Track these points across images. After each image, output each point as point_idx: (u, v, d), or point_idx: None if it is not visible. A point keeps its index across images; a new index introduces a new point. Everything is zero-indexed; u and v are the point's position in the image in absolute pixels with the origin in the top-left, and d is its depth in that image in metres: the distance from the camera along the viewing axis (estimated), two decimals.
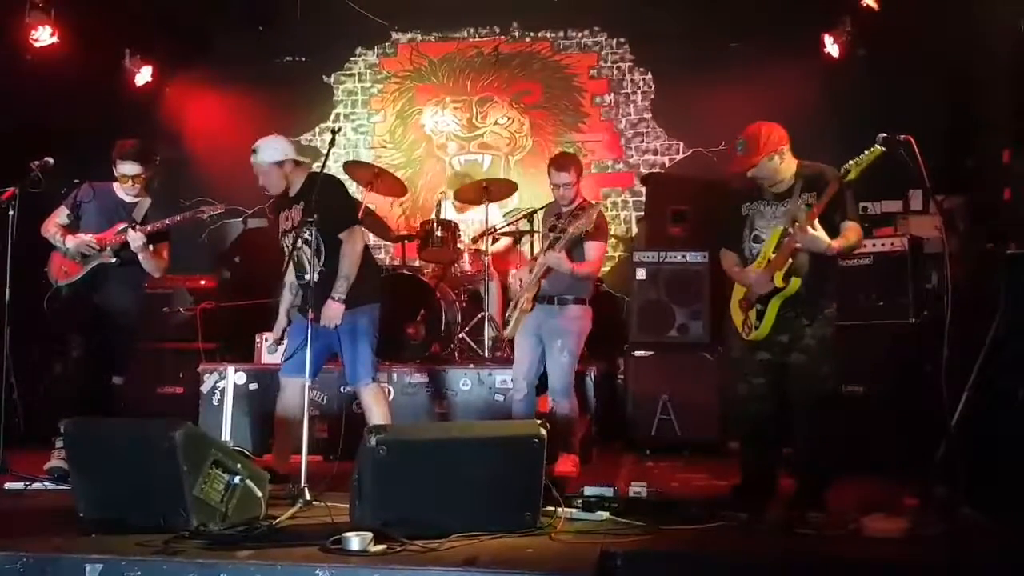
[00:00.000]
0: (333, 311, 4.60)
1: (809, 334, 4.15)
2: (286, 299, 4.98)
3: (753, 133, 4.20)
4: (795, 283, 4.06)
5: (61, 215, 5.26)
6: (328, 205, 4.61)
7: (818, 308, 4.17)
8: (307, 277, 4.65)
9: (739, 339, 4.35)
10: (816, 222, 4.00)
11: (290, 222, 4.78)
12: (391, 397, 5.96)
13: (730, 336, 4.51)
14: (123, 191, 5.28)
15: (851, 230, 4.11)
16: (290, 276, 4.92)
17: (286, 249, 4.79)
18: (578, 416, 5.16)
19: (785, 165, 4.22)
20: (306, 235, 4.64)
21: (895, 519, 3.73)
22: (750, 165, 4.19)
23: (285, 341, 4.95)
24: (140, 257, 5.12)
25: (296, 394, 4.71)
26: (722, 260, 4.51)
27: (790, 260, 4.07)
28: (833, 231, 4.07)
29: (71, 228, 5.22)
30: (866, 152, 3.92)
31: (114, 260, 5.11)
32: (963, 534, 3.73)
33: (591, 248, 5.20)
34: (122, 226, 5.13)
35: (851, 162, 3.95)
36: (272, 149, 4.77)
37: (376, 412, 4.75)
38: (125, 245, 5.12)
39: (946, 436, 4.17)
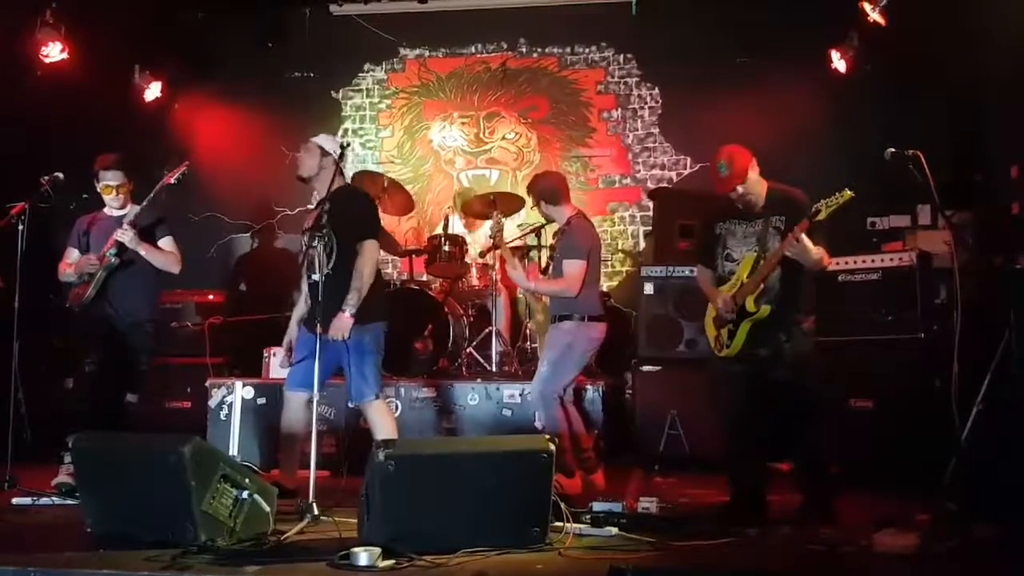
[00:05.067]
0: (343, 323, 4.59)
1: (787, 350, 4.28)
2: (299, 309, 4.97)
3: (730, 153, 4.32)
4: (764, 310, 4.23)
5: (71, 256, 5.29)
6: (350, 214, 4.68)
7: (794, 323, 4.30)
8: (314, 277, 4.64)
9: (713, 354, 4.53)
10: (804, 235, 4.07)
11: (311, 221, 4.79)
12: (398, 412, 5.96)
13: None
14: (110, 207, 5.30)
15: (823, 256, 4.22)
16: (304, 282, 4.91)
17: (304, 248, 4.79)
18: (561, 430, 5.02)
19: (759, 179, 4.36)
20: (323, 236, 4.65)
21: (906, 535, 3.70)
22: (741, 179, 4.28)
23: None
24: (144, 255, 5.12)
25: (299, 408, 4.71)
26: (698, 276, 4.70)
27: (761, 286, 4.23)
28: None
29: None
30: (837, 195, 4.00)
31: (114, 260, 5.10)
32: (974, 549, 3.71)
33: (564, 265, 5.16)
34: (116, 232, 5.14)
35: (822, 202, 4.03)
36: (328, 139, 4.91)
37: (382, 428, 4.73)
38: (123, 246, 5.13)
39: (957, 451, 4.16)
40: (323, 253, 4.64)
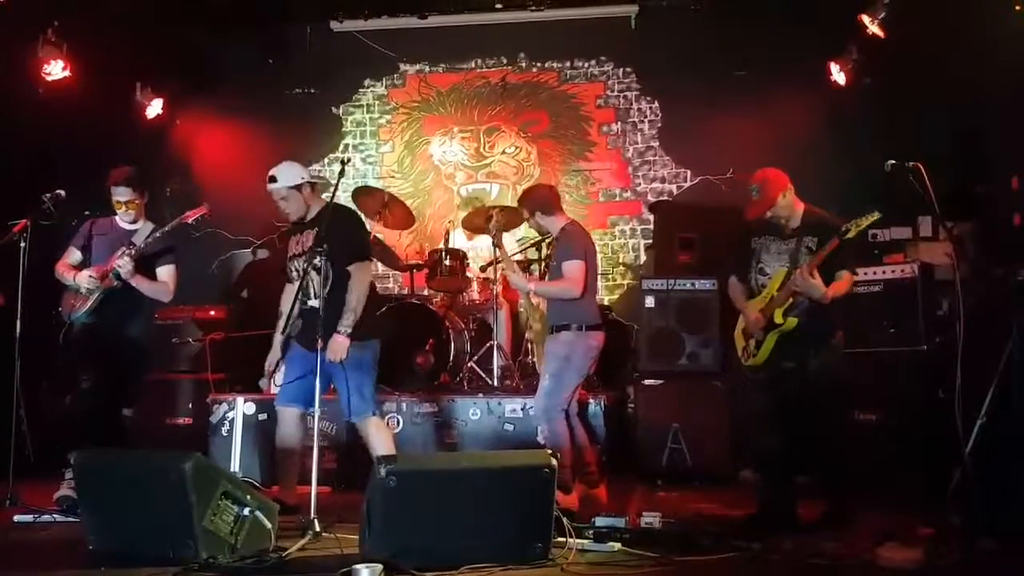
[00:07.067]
0: (339, 345, 4.57)
1: (813, 365, 4.39)
2: (280, 328, 4.92)
3: (763, 177, 4.52)
4: (791, 322, 4.36)
5: (72, 256, 5.28)
6: (341, 235, 4.66)
7: (822, 339, 4.42)
8: (310, 303, 4.64)
9: (741, 364, 4.67)
10: (816, 270, 4.27)
11: (301, 247, 4.79)
12: (400, 427, 5.94)
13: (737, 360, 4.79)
14: (122, 220, 5.30)
15: (845, 279, 4.37)
16: (285, 305, 4.89)
17: (292, 273, 4.80)
18: (564, 445, 5.00)
19: (793, 203, 4.52)
20: (316, 262, 4.65)
21: (910, 549, 3.69)
22: (770, 205, 4.48)
23: (279, 372, 4.94)
24: (134, 284, 5.10)
25: (292, 423, 4.69)
26: (730, 289, 4.80)
27: (790, 299, 4.36)
28: (829, 277, 4.33)
29: (83, 266, 5.23)
30: (866, 216, 4.19)
31: (116, 284, 5.10)
32: (979, 563, 3.69)
33: (564, 267, 5.15)
34: (120, 250, 5.13)
35: (852, 223, 4.20)
36: (289, 173, 4.79)
37: (380, 444, 4.71)
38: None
39: (961, 464, 4.14)
40: (319, 280, 4.64)
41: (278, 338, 4.94)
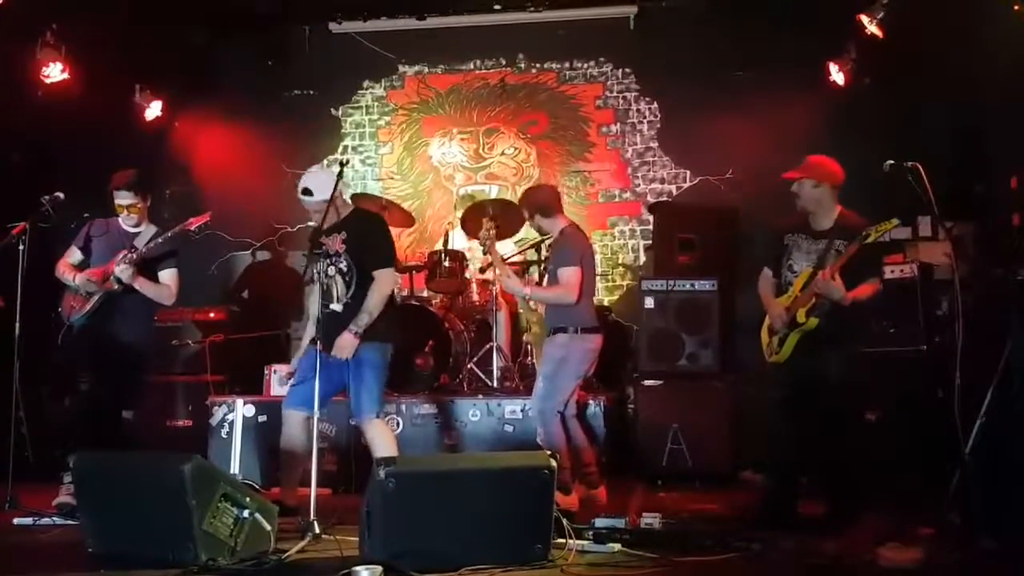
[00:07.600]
0: (347, 342, 4.57)
1: (833, 366, 4.43)
2: (310, 331, 4.86)
3: (816, 161, 4.63)
4: (812, 322, 4.41)
5: (73, 255, 5.27)
6: (370, 241, 4.68)
7: (841, 341, 4.45)
8: (332, 306, 4.64)
9: (765, 360, 4.74)
10: (838, 274, 4.31)
11: (327, 249, 4.76)
12: (400, 429, 5.94)
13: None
14: (124, 223, 5.30)
15: (869, 285, 4.42)
16: (314, 306, 4.82)
17: (316, 275, 4.72)
18: (560, 447, 5.01)
19: (824, 202, 4.57)
20: (341, 265, 4.65)
21: (910, 549, 3.69)
22: (794, 177, 4.59)
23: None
24: (137, 287, 5.08)
25: (297, 426, 4.68)
26: (760, 281, 4.85)
27: (813, 299, 4.40)
28: (857, 282, 4.38)
29: (83, 266, 5.23)
30: (885, 222, 4.27)
31: (117, 288, 5.10)
32: (979, 563, 3.69)
33: (559, 273, 5.17)
34: (122, 254, 5.12)
35: (872, 228, 4.27)
36: (325, 185, 4.64)
37: (380, 446, 4.70)
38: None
39: (960, 463, 4.14)
40: (343, 284, 4.64)
41: (306, 339, 4.91)
